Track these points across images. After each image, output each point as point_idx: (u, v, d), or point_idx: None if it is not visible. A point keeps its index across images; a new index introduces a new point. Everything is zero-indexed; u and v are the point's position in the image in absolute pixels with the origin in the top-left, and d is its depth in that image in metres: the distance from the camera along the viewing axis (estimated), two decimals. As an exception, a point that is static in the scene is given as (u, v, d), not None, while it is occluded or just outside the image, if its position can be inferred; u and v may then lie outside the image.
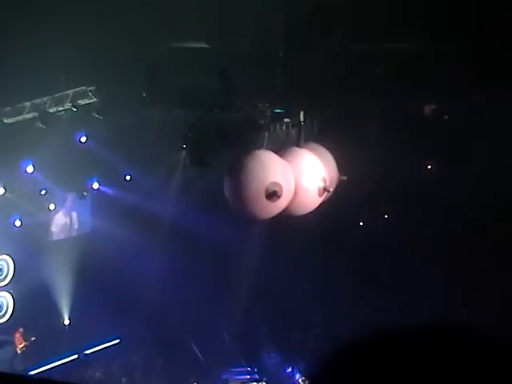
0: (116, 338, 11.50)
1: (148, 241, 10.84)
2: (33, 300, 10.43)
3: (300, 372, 9.98)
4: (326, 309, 10.39)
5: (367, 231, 10.86)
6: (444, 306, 8.95)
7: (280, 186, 6.92)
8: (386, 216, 10.94)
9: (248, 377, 10.48)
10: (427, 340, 0.87)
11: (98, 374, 10.90)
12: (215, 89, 7.59)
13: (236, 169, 7.07)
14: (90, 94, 9.06)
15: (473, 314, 8.54)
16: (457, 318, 8.15)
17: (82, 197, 10.98)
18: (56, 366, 10.74)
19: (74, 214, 11.44)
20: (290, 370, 10.21)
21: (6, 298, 10.60)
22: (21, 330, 10.46)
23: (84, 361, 11.15)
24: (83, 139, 9.64)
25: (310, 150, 7.51)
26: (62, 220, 11.37)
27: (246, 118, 7.89)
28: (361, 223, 11.24)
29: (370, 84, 7.50)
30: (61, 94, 8.97)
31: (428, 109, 8.32)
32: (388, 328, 0.90)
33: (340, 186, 7.85)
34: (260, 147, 7.48)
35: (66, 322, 11.50)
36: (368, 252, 10.46)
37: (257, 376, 10.49)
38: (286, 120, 7.89)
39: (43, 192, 10.23)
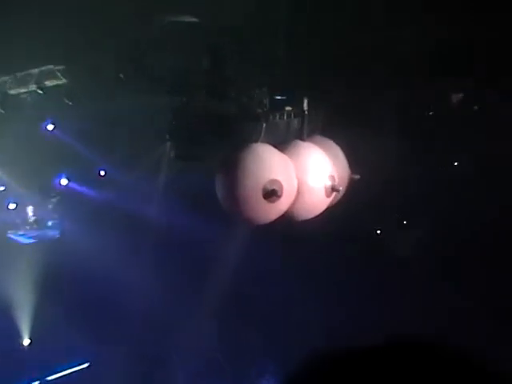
0: (85, 362, 11.73)
1: (126, 246, 11.08)
2: (-13, 315, 10.67)
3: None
4: (330, 330, 10.63)
5: (382, 239, 11.08)
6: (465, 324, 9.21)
7: (280, 185, 7.09)
8: (404, 222, 11.17)
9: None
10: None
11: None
12: (205, 70, 7.79)
13: (229, 164, 7.23)
14: (58, 74, 9.25)
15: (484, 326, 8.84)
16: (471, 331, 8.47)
17: (49, 195, 11.24)
18: (14, 395, 10.97)
19: (39, 215, 11.69)
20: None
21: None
22: (-27, 350, 10.66)
23: (47, 388, 11.37)
24: (50, 127, 9.88)
25: (316, 143, 7.69)
26: (24, 221, 11.62)
27: (240, 105, 8.06)
28: (378, 231, 11.46)
29: (387, 66, 7.72)
30: (24, 73, 9.16)
31: (455, 98, 8.52)
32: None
33: (351, 185, 8.09)
34: (257, 140, 7.62)
35: (26, 342, 11.72)
36: (383, 264, 10.68)
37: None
38: (288, 108, 8.02)
39: (2, 188, 10.49)
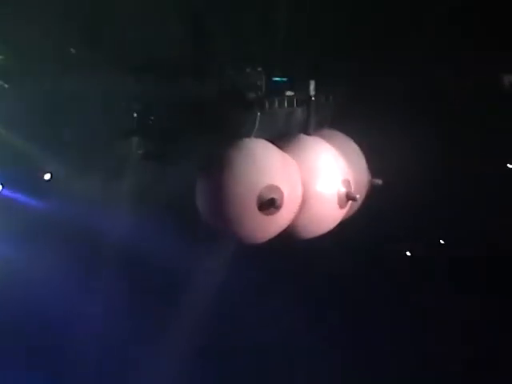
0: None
1: (78, 273, 11.16)
2: None
3: None
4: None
5: (415, 263, 11.13)
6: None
7: (280, 192, 7.20)
8: (441, 241, 11.20)
9: None
10: None
11: None
12: (182, 45, 7.89)
13: (213, 166, 7.35)
14: (-11, 47, 9.36)
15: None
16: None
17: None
18: None
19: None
20: None
21: None
22: None
23: None
24: (-22, 117, 9.97)
25: (326, 138, 7.85)
26: None
27: (228, 89, 8.21)
28: (407, 252, 11.52)
29: (416, 39, 7.86)
30: None
31: (507, 79, 8.64)
32: None
33: (372, 192, 8.24)
34: (250, 133, 7.79)
35: None
36: (413, 296, 10.75)
37: None
38: (289, 93, 8.20)
39: None
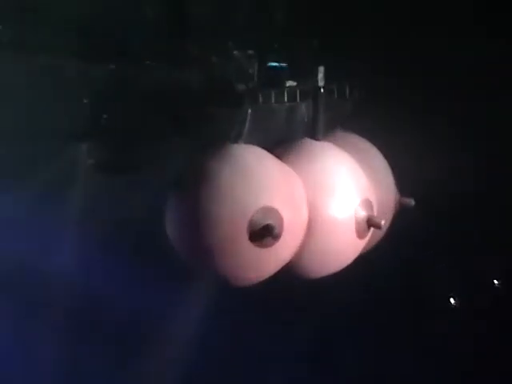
0: None
1: (12, 327, 11.18)
2: None
3: None
4: None
5: (460, 313, 11.15)
6: None
7: (278, 217, 7.27)
8: (496, 282, 11.25)
9: None
10: None
11: None
12: (151, 20, 7.95)
13: (190, 182, 7.42)
14: None
15: None
16: None
17: None
18: None
19: None
20: None
21: None
22: None
23: None
24: None
25: (339, 143, 7.91)
26: None
27: (210, 78, 8.25)
28: (451, 300, 11.56)
29: (459, 13, 7.95)
30: None
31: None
32: None
33: (402, 216, 8.24)
34: (238, 138, 7.83)
35: None
36: (460, 357, 10.82)
37: None
38: (290, 83, 8.27)
39: None
